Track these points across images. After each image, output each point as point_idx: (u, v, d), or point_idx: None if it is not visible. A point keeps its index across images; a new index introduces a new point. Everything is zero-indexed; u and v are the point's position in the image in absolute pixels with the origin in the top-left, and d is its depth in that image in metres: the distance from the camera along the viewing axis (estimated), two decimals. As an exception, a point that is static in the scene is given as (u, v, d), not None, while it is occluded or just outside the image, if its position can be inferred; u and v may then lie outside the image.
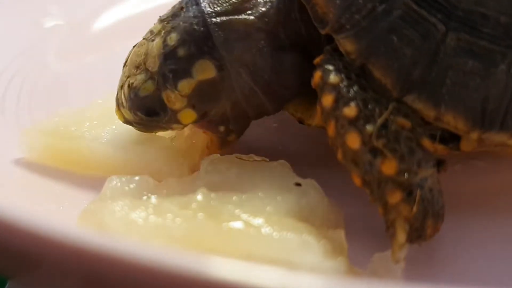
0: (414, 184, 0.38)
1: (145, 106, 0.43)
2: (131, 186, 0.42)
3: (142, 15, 0.65)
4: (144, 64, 0.43)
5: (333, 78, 0.39)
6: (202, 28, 0.42)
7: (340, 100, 0.39)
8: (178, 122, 0.44)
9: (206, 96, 0.43)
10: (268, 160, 0.43)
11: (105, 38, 0.62)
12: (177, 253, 0.31)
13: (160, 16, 0.44)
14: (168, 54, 0.42)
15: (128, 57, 0.44)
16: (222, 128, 0.44)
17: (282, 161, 0.43)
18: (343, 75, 0.39)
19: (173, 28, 0.42)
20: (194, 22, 0.42)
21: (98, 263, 0.30)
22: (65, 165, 0.46)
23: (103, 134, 0.46)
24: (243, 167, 0.43)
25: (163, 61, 0.42)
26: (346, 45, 0.40)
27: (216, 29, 0.42)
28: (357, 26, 0.40)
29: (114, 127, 0.47)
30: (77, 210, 0.41)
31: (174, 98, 0.42)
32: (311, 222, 0.39)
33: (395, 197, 0.38)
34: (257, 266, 0.29)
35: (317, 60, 0.41)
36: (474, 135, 0.39)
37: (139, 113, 0.44)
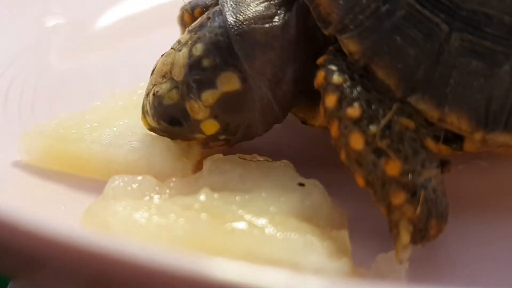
0: (418, 184, 0.37)
1: (168, 115, 0.43)
2: (134, 186, 0.41)
3: (144, 14, 0.65)
4: (170, 73, 0.43)
5: (336, 78, 0.39)
6: (226, 39, 0.42)
7: (344, 101, 0.39)
8: (201, 132, 0.44)
9: (230, 108, 0.43)
10: (271, 160, 0.43)
11: (107, 37, 0.62)
12: (181, 254, 0.31)
13: (188, 27, 0.44)
14: (193, 65, 0.42)
15: (156, 65, 0.45)
16: (222, 137, 0.44)
17: (285, 161, 0.43)
18: (346, 76, 0.39)
19: (199, 39, 0.42)
20: (219, 33, 0.42)
21: (102, 264, 0.30)
22: (65, 168, 0.46)
23: (103, 136, 0.46)
24: (246, 167, 0.43)
25: (188, 71, 0.42)
26: (350, 45, 0.40)
27: (238, 39, 0.42)
28: (360, 26, 0.39)
29: (114, 129, 0.46)
30: (79, 211, 0.41)
31: (198, 108, 0.42)
32: (314, 223, 0.39)
33: (399, 198, 0.37)
34: (261, 267, 0.29)
35: (320, 61, 0.40)
36: (478, 135, 0.39)
37: (162, 122, 0.44)
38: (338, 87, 0.39)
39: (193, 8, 0.51)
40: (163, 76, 0.43)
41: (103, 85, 0.56)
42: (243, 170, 0.42)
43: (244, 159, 0.43)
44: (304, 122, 0.46)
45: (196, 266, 0.29)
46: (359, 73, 0.39)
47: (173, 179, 0.43)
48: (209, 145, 0.45)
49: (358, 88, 0.39)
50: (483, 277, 0.39)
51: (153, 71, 0.45)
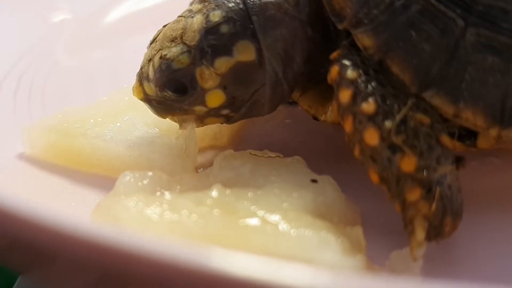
0: (433, 181, 0.37)
1: (175, 80, 0.42)
2: (144, 182, 0.41)
3: (150, 10, 0.65)
4: (181, 38, 0.42)
5: (350, 73, 0.39)
6: (245, 8, 0.42)
7: (358, 96, 0.38)
8: (203, 103, 0.42)
9: (240, 79, 0.42)
10: (282, 156, 0.43)
11: (113, 33, 0.62)
12: (194, 248, 0.30)
13: None
14: (210, 29, 0.41)
15: (158, 34, 0.43)
16: (225, 112, 0.43)
17: (297, 157, 0.43)
18: (361, 70, 0.39)
19: (217, 6, 0.42)
20: (238, 2, 0.42)
21: (113, 258, 0.29)
22: (68, 162, 0.46)
23: (106, 131, 0.46)
24: (257, 163, 0.42)
25: (204, 35, 0.41)
26: (364, 40, 0.39)
27: (254, 10, 0.42)
28: (375, 21, 0.39)
29: (118, 124, 0.46)
30: (88, 207, 0.40)
31: (208, 75, 0.41)
32: (328, 219, 0.39)
33: (414, 194, 0.37)
34: (278, 263, 0.29)
35: (334, 55, 0.40)
36: (494, 132, 0.39)
37: (166, 87, 0.42)
38: (352, 82, 0.38)
39: None
40: (172, 41, 0.42)
41: (109, 81, 0.56)
42: (254, 166, 0.42)
43: (255, 155, 0.43)
44: (315, 118, 0.46)
45: (210, 260, 0.28)
46: (373, 68, 0.39)
47: (184, 174, 0.42)
48: (205, 121, 0.44)
49: (373, 83, 0.38)
50: (496, 274, 0.39)
51: (153, 39, 0.43)
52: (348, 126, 0.39)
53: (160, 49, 0.42)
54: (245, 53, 0.41)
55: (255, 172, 0.42)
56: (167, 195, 0.40)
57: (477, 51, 0.38)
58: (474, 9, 0.39)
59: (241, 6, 0.42)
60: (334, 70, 0.39)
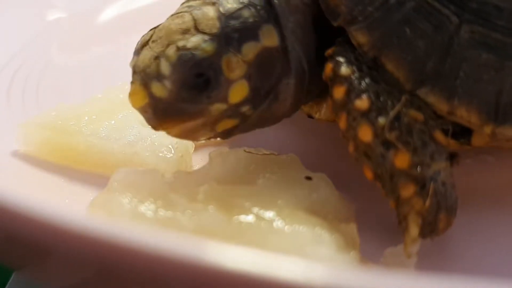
0: (427, 177, 0.37)
1: (198, 72, 0.37)
2: (139, 178, 0.41)
3: (145, 8, 0.64)
4: (196, 28, 0.38)
5: (344, 70, 0.39)
6: None
7: (352, 92, 0.38)
8: (225, 99, 0.38)
9: (264, 68, 0.39)
10: (277, 153, 0.43)
11: (108, 31, 0.62)
12: (189, 242, 0.30)
13: None
14: (231, 15, 0.38)
15: (150, 36, 0.39)
16: (245, 108, 0.40)
17: (291, 154, 0.43)
18: (354, 67, 0.39)
19: None
20: None
21: (108, 252, 0.29)
22: (62, 160, 0.45)
23: (101, 129, 0.46)
24: (252, 160, 0.42)
25: (225, 21, 0.38)
26: (359, 37, 0.39)
27: None
28: (369, 18, 0.39)
29: (113, 122, 0.46)
30: (82, 203, 0.40)
31: (235, 64, 0.38)
32: (322, 216, 0.39)
33: (408, 191, 0.37)
34: (273, 256, 0.29)
35: (328, 52, 0.40)
36: (488, 129, 0.39)
37: (187, 83, 0.38)
38: (346, 79, 0.38)
39: None
40: (184, 33, 0.38)
41: (104, 79, 0.56)
42: (249, 163, 0.42)
43: (250, 152, 0.43)
44: (310, 116, 0.46)
45: (205, 254, 0.28)
46: (368, 65, 0.39)
47: (178, 171, 0.42)
48: (217, 125, 0.40)
49: (367, 80, 0.38)
50: (490, 270, 0.39)
51: (145, 42, 0.39)
52: (342, 122, 0.39)
53: (168, 44, 0.38)
54: (269, 38, 0.39)
55: (250, 170, 0.42)
56: (161, 191, 0.40)
57: (471, 48, 0.38)
58: (468, 6, 0.39)
59: None
60: (329, 67, 0.39)
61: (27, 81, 0.54)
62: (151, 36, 0.39)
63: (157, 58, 0.38)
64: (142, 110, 0.39)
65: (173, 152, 0.45)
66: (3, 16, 0.59)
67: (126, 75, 0.52)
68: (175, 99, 0.38)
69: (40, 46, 0.58)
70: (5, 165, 0.45)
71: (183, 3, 0.41)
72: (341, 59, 0.39)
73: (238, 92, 0.39)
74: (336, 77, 0.39)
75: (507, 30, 0.38)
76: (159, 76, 0.38)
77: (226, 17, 0.38)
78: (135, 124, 0.46)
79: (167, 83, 0.37)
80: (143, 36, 0.40)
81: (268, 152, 0.43)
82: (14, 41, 0.57)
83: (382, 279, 0.27)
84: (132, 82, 0.39)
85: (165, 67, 0.38)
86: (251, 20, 0.39)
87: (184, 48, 0.37)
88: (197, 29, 0.38)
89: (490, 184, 0.44)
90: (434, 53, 0.38)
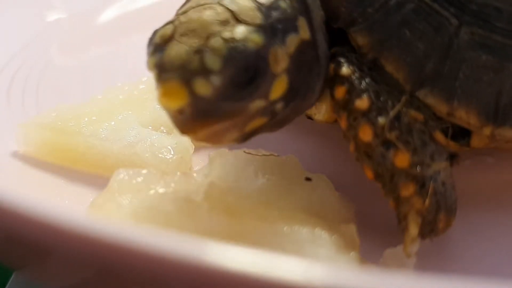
0: (427, 176, 0.37)
1: (248, 66, 0.35)
2: (139, 179, 0.41)
3: (145, 9, 0.64)
4: (236, 19, 0.35)
5: (345, 70, 0.39)
6: None
7: (352, 92, 0.38)
8: (266, 95, 0.36)
9: (301, 62, 0.37)
10: (277, 155, 0.43)
11: (108, 32, 0.61)
12: (190, 242, 0.30)
13: None
14: (271, 5, 0.36)
15: (176, 26, 0.36)
16: (279, 106, 0.37)
17: (291, 155, 0.43)
18: (355, 67, 0.39)
19: None
20: None
21: (109, 252, 0.29)
22: (62, 160, 0.45)
23: (101, 130, 0.46)
24: (251, 161, 0.42)
25: (267, 12, 0.36)
26: (358, 38, 0.39)
27: None
28: (369, 19, 0.39)
29: (113, 123, 0.46)
30: (82, 204, 0.40)
31: (281, 56, 0.36)
32: (322, 217, 0.39)
33: (408, 190, 0.37)
34: (272, 256, 0.29)
35: (329, 53, 0.40)
36: (487, 130, 0.39)
37: (237, 77, 0.35)
38: (346, 79, 0.39)
39: None
40: (223, 24, 0.35)
41: (104, 80, 0.56)
42: (248, 164, 0.42)
43: (250, 153, 0.43)
44: (309, 117, 0.46)
45: (205, 254, 0.28)
46: (368, 66, 0.39)
47: (178, 172, 0.42)
48: (248, 125, 0.37)
49: (367, 80, 0.38)
50: (490, 270, 0.39)
51: (169, 36, 0.35)
52: (343, 122, 0.39)
53: (208, 37, 0.35)
54: (304, 30, 0.38)
55: (250, 171, 0.42)
56: (161, 193, 0.40)
57: (471, 50, 0.39)
58: (468, 8, 0.39)
59: None
60: (330, 67, 0.40)
61: (27, 82, 0.54)
62: (175, 29, 0.36)
63: (199, 51, 0.34)
64: (177, 112, 0.35)
65: (173, 153, 0.45)
66: (3, 17, 0.59)
67: (126, 76, 0.52)
68: (219, 96, 0.35)
69: (40, 47, 0.58)
70: (5, 166, 0.45)
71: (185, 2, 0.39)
72: (342, 60, 0.39)
73: (280, 87, 0.37)
74: (337, 77, 0.39)
75: (506, 31, 0.39)
76: (204, 72, 0.34)
77: (266, 7, 0.36)
78: (135, 125, 0.46)
79: (214, 79, 0.34)
80: (156, 31, 0.37)
81: (267, 153, 0.43)
82: (14, 41, 0.57)
83: (381, 279, 0.27)
84: (164, 81, 0.35)
85: (213, 61, 0.34)
86: (289, 11, 0.37)
87: (233, 39, 0.35)
88: (238, 20, 0.35)
89: (490, 185, 0.44)
90: (434, 54, 0.38)
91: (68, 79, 0.56)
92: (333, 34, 0.40)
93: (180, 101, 0.34)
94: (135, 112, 0.48)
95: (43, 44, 0.58)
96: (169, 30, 0.36)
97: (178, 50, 0.35)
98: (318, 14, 0.39)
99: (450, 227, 0.39)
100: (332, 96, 0.39)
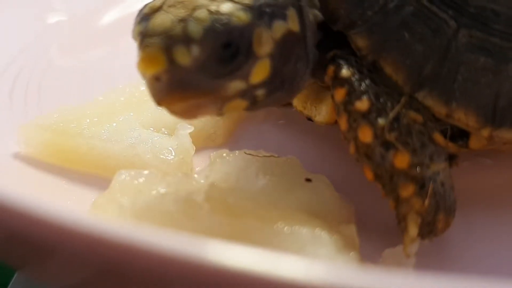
0: (426, 177, 0.38)
1: (228, 42, 0.35)
2: (140, 180, 0.41)
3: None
4: None
5: (345, 72, 0.39)
6: None
7: (352, 94, 0.39)
8: (246, 77, 0.37)
9: (286, 51, 0.38)
10: (277, 156, 0.43)
11: (108, 34, 0.62)
12: (192, 241, 0.30)
13: None
14: None
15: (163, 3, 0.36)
16: (260, 92, 0.38)
17: (291, 156, 0.43)
18: (355, 69, 0.39)
19: None
20: None
21: (111, 251, 0.29)
22: (63, 162, 0.46)
23: (102, 131, 0.46)
24: (252, 162, 0.43)
25: None
26: (358, 41, 0.40)
27: None
28: (368, 22, 0.40)
29: (114, 124, 0.47)
30: (83, 205, 0.41)
31: (265, 39, 0.36)
32: (322, 217, 0.39)
33: (407, 191, 0.38)
34: (273, 255, 0.29)
35: (330, 55, 0.40)
36: (485, 132, 0.39)
37: (217, 49, 0.35)
38: (346, 81, 0.39)
39: None
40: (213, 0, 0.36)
41: (105, 81, 0.56)
42: (249, 165, 0.42)
43: (250, 154, 0.43)
44: (309, 119, 0.46)
45: (206, 253, 0.28)
46: (367, 68, 0.39)
47: (179, 173, 0.43)
48: (226, 106, 0.37)
49: (367, 81, 0.39)
50: (488, 271, 0.39)
51: (157, 7, 0.36)
52: (343, 124, 0.39)
53: (195, 8, 0.35)
54: (293, 22, 0.38)
55: (250, 172, 0.42)
56: (162, 193, 0.40)
57: (469, 52, 0.39)
58: (466, 10, 0.39)
59: None
60: (330, 69, 0.40)
61: (28, 84, 0.54)
62: (164, 1, 0.36)
63: (183, 20, 0.35)
64: (153, 78, 0.35)
65: (174, 154, 0.45)
66: (4, 19, 0.59)
67: (126, 78, 0.52)
68: (198, 68, 0.35)
69: (41, 49, 0.58)
70: (7, 167, 0.45)
71: None
72: (342, 62, 0.40)
73: (261, 71, 0.37)
74: (337, 79, 0.39)
75: (504, 34, 0.39)
76: (185, 40, 0.34)
77: None
78: (136, 126, 0.47)
79: (195, 49, 0.34)
80: (147, 4, 0.37)
81: (268, 154, 0.43)
82: (16, 43, 0.57)
83: (381, 279, 0.28)
84: (145, 46, 0.35)
85: (195, 30, 0.35)
86: (280, 0, 0.38)
87: (217, 12, 0.35)
88: None
89: (488, 186, 0.45)
90: (432, 56, 0.39)
91: (70, 80, 0.56)
92: (332, 37, 0.41)
93: (158, 66, 0.34)
94: (137, 113, 0.48)
95: (45, 46, 0.59)
96: (158, 1, 0.36)
97: (163, 18, 0.35)
98: (311, 12, 0.40)
99: (449, 227, 0.39)
100: (333, 97, 0.39)
